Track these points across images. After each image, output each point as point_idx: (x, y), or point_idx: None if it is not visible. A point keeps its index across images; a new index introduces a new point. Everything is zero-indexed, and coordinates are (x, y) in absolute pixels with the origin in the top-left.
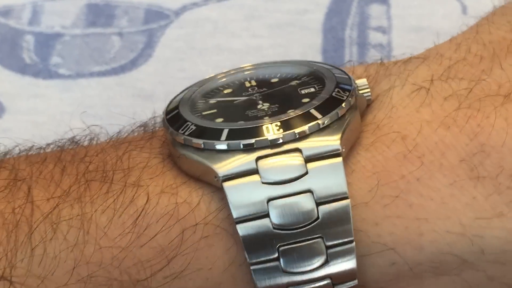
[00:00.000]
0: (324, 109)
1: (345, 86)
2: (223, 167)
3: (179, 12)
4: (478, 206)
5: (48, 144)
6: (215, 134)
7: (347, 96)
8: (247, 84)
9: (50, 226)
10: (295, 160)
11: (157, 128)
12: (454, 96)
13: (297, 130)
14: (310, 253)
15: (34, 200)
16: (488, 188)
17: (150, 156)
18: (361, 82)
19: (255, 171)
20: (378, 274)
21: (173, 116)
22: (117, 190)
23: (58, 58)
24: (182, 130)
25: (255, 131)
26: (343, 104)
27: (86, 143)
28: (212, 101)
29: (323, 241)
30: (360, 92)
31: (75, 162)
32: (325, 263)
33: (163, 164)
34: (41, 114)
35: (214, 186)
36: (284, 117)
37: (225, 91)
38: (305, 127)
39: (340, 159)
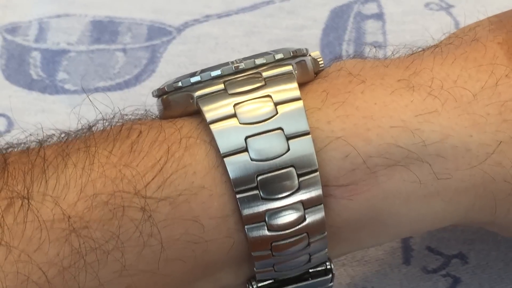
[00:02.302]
0: (279, 51)
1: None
2: (197, 91)
3: (181, 28)
4: (416, 107)
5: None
6: (191, 75)
7: (299, 48)
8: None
9: (61, 160)
10: (256, 79)
11: None
12: (395, 56)
13: (256, 59)
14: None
15: (46, 147)
16: (423, 94)
17: (142, 118)
18: (315, 53)
19: (224, 91)
20: (336, 168)
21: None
22: (115, 133)
23: (64, 74)
24: (165, 85)
25: (223, 65)
26: (295, 48)
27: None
28: None
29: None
30: (314, 58)
31: (79, 130)
32: (297, 190)
33: (153, 119)
34: (49, 128)
35: (194, 115)
36: (247, 57)
37: None
38: (262, 58)
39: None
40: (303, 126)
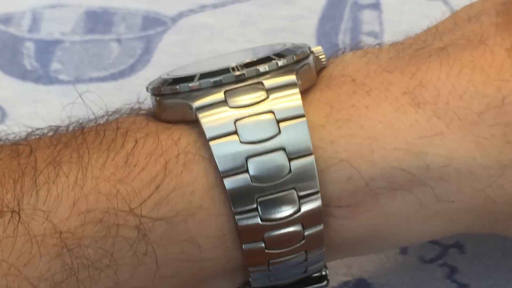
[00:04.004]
0: (281, 55)
1: (300, 45)
2: (196, 100)
3: (176, 18)
4: (421, 127)
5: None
6: (189, 79)
7: (301, 48)
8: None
9: (53, 169)
10: (258, 89)
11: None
12: (399, 55)
13: (258, 67)
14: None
15: (37, 153)
16: (428, 112)
17: (136, 117)
18: (317, 49)
19: (224, 102)
20: (338, 190)
21: (154, 80)
22: (109, 140)
23: (58, 64)
24: (162, 84)
25: (224, 71)
26: (298, 52)
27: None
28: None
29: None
30: (316, 55)
31: (69, 129)
32: (297, 211)
33: (148, 120)
34: (42, 119)
35: (192, 124)
36: (248, 61)
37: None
38: (265, 65)
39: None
40: (306, 146)
